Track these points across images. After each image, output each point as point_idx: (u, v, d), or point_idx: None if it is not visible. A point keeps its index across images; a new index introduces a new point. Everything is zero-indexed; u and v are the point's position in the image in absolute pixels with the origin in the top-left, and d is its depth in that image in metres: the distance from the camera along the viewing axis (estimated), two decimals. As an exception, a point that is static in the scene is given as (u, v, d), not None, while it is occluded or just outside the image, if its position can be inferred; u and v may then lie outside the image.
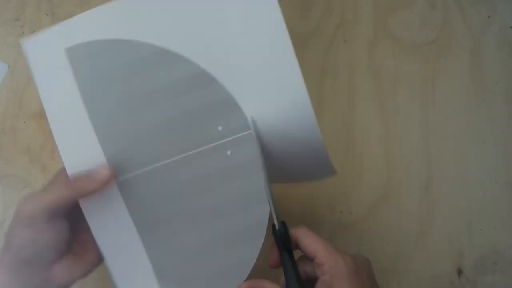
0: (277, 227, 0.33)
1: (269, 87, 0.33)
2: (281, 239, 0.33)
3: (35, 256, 0.32)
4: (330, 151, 0.49)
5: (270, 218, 0.34)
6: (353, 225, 0.47)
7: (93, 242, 0.34)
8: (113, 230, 0.34)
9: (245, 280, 0.33)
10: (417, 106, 0.50)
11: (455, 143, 0.49)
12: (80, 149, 0.33)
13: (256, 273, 0.34)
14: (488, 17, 0.52)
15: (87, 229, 0.34)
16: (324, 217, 0.48)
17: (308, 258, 0.33)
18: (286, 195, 0.48)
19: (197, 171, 0.34)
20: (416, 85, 0.51)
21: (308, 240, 0.32)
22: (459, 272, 0.46)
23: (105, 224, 0.34)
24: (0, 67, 0.52)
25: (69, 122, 0.33)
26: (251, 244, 0.34)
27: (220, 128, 0.34)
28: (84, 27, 0.32)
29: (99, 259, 0.35)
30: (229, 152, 0.34)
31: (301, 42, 0.53)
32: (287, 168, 0.36)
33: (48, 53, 0.32)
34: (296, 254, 0.34)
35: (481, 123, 0.49)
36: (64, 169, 0.33)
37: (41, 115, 0.50)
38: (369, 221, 0.47)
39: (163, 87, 0.33)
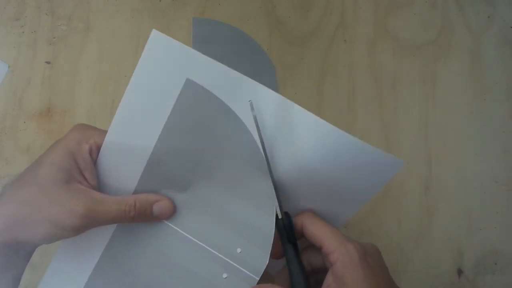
0: (279, 217, 0.32)
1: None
2: (285, 230, 0.31)
3: (26, 236, 0.30)
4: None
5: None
6: (353, 225, 0.47)
7: None
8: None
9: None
10: (417, 106, 0.50)
11: (455, 143, 0.49)
12: (122, 160, 0.33)
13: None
14: (488, 17, 0.52)
15: None
16: (324, 217, 0.48)
17: (314, 247, 0.31)
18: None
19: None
20: (416, 85, 0.51)
21: (313, 228, 0.31)
22: (459, 272, 0.46)
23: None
24: (0, 67, 0.52)
25: (132, 135, 0.33)
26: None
27: None
28: (207, 71, 0.33)
29: None
30: None
31: (301, 42, 0.53)
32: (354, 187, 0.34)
33: (170, 64, 0.32)
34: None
35: (481, 123, 0.49)
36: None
37: (41, 115, 0.51)
38: (369, 221, 0.47)
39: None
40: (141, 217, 0.32)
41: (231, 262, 0.32)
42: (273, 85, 0.51)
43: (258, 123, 0.32)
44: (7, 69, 0.52)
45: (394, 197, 0.48)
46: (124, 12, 0.54)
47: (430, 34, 0.52)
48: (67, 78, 0.52)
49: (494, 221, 0.47)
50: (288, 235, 0.31)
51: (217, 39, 0.52)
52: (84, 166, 0.31)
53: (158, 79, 0.32)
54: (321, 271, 0.31)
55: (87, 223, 0.29)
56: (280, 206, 0.32)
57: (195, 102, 0.33)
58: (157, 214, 0.32)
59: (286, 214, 0.32)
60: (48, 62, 0.52)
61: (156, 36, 0.32)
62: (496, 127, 0.49)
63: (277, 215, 0.32)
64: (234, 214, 0.33)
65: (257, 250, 0.32)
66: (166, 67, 0.32)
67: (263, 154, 0.32)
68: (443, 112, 0.50)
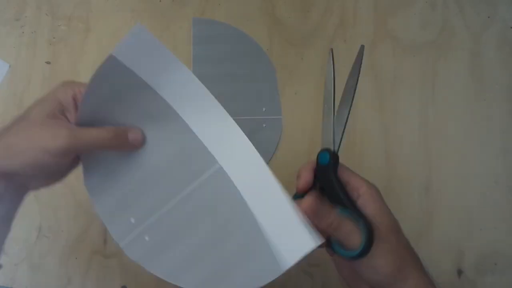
0: (333, 150, 0.35)
1: None
2: (333, 161, 0.35)
3: (32, 176, 0.33)
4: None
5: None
6: (353, 225, 0.47)
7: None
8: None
9: None
10: (417, 106, 0.50)
11: (455, 143, 0.49)
12: None
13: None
14: (488, 17, 0.52)
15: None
16: (324, 217, 0.48)
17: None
18: (286, 195, 0.48)
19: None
20: (416, 85, 0.51)
21: (344, 172, 0.35)
22: (459, 272, 0.46)
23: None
24: (1, 66, 0.52)
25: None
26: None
27: None
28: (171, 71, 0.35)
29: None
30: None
31: (301, 42, 0.53)
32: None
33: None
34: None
35: (481, 123, 0.49)
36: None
37: (41, 115, 0.51)
38: (369, 221, 0.47)
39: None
40: (118, 140, 0.35)
41: None
42: (273, 85, 0.51)
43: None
44: (8, 68, 0.52)
45: (394, 197, 0.47)
46: (124, 12, 0.53)
47: (430, 34, 0.52)
48: (67, 78, 0.51)
49: (494, 221, 0.47)
50: (334, 167, 0.35)
51: (217, 39, 0.52)
52: (66, 108, 0.34)
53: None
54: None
55: (70, 145, 0.31)
56: (335, 143, 0.36)
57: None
58: (131, 140, 0.35)
59: (333, 152, 0.36)
60: (48, 62, 0.52)
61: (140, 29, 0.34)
62: (496, 127, 0.49)
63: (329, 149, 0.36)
64: None
65: None
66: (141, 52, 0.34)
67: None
68: (443, 112, 0.50)
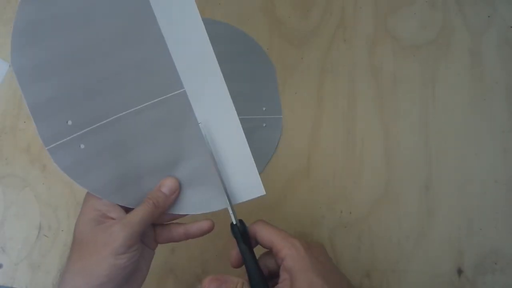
0: (234, 222, 0.34)
1: None
2: (240, 234, 0.34)
3: (119, 281, 0.32)
4: (331, 151, 0.49)
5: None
6: (353, 225, 0.47)
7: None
8: None
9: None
10: (417, 106, 0.50)
11: (455, 143, 0.49)
12: None
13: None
14: (488, 17, 0.52)
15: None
16: (324, 217, 0.48)
17: (269, 253, 0.34)
18: (286, 195, 0.48)
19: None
20: (416, 85, 0.51)
21: (263, 232, 0.34)
22: (459, 272, 0.45)
23: None
24: (1, 66, 0.52)
25: None
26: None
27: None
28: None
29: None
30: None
31: (301, 42, 0.53)
32: None
33: None
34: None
35: (481, 123, 0.49)
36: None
37: (41, 115, 0.51)
38: (369, 221, 0.47)
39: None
40: (160, 202, 0.34)
41: None
42: (273, 85, 0.51)
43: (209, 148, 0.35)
44: (8, 68, 0.52)
45: (394, 197, 0.48)
46: (124, 12, 0.53)
47: (430, 34, 0.52)
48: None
49: (494, 221, 0.47)
50: (245, 239, 0.34)
51: (217, 39, 0.52)
52: (106, 209, 0.34)
53: None
54: (277, 275, 0.33)
55: (127, 233, 0.31)
56: (235, 214, 0.34)
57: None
58: (169, 192, 0.35)
59: (240, 222, 0.35)
60: (48, 62, 0.52)
61: None
62: (496, 127, 0.49)
63: (232, 223, 0.34)
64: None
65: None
66: None
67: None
68: (443, 112, 0.50)
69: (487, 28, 0.52)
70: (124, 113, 0.34)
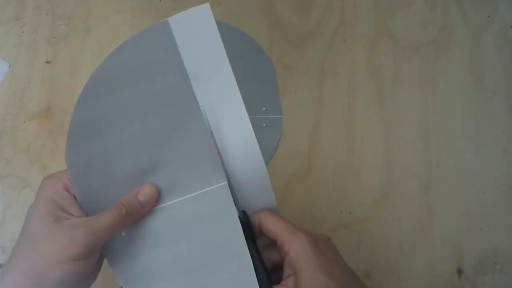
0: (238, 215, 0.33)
1: None
2: (243, 227, 0.32)
3: (70, 286, 0.29)
4: (330, 151, 0.49)
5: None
6: (353, 225, 0.47)
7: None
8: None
9: None
10: (417, 106, 0.50)
11: (455, 143, 0.49)
12: None
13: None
14: (488, 17, 0.52)
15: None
16: (324, 217, 0.48)
17: (273, 245, 0.33)
18: (286, 195, 0.48)
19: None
20: (416, 85, 0.51)
21: (268, 222, 0.32)
22: (459, 272, 0.46)
23: None
24: (1, 66, 0.52)
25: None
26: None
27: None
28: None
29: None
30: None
31: (301, 42, 0.53)
32: None
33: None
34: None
35: (481, 123, 0.49)
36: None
37: (41, 115, 0.51)
38: (369, 221, 0.47)
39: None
40: (133, 210, 0.31)
41: None
42: (273, 85, 0.51)
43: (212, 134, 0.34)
44: (8, 68, 0.52)
45: (394, 197, 0.48)
46: (124, 12, 0.54)
47: (430, 34, 0.52)
48: (67, 78, 0.52)
49: (494, 221, 0.47)
50: (247, 231, 0.32)
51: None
52: (64, 203, 0.31)
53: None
54: (281, 268, 0.32)
55: (91, 240, 0.29)
56: (237, 205, 0.33)
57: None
58: (145, 201, 0.32)
59: (243, 213, 0.33)
60: (48, 62, 0.52)
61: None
62: (496, 127, 0.49)
63: None
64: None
65: None
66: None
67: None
68: (443, 112, 0.50)
69: (487, 28, 0.52)
70: (167, 203, 0.33)
